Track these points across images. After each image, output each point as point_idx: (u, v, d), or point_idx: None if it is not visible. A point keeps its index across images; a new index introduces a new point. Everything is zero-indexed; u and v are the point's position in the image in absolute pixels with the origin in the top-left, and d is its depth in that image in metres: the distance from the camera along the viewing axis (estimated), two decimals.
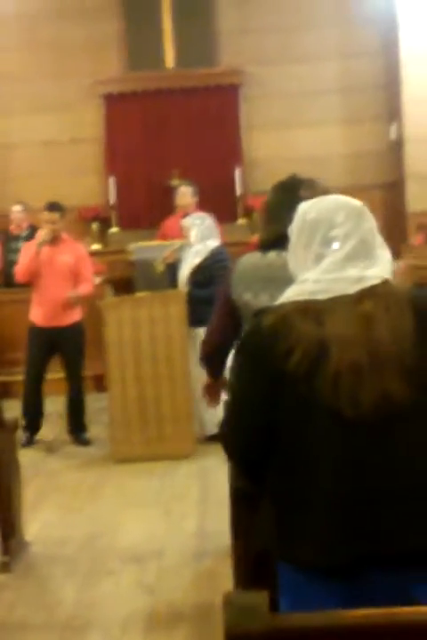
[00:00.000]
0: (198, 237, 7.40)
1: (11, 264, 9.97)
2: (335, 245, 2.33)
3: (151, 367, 7.05)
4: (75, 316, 7.65)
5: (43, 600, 4.73)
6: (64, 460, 7.31)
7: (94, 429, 7.81)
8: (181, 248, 7.58)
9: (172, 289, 7.46)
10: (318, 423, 2.24)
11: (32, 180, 11.62)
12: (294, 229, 2.44)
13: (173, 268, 7.58)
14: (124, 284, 9.04)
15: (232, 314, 3.77)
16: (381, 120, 11.67)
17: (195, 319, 7.09)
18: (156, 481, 6.57)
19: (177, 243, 7.71)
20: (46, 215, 7.56)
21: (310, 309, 2.29)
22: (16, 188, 11.57)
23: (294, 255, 2.45)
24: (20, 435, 7.23)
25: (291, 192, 3.61)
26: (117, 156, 11.90)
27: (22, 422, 7.46)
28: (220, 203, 11.31)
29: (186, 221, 7.58)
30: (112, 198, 11.66)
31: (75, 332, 7.64)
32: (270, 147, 11.78)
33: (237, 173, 11.61)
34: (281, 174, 12.20)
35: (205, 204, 9.70)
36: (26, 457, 6.32)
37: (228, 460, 2.62)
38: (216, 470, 6.52)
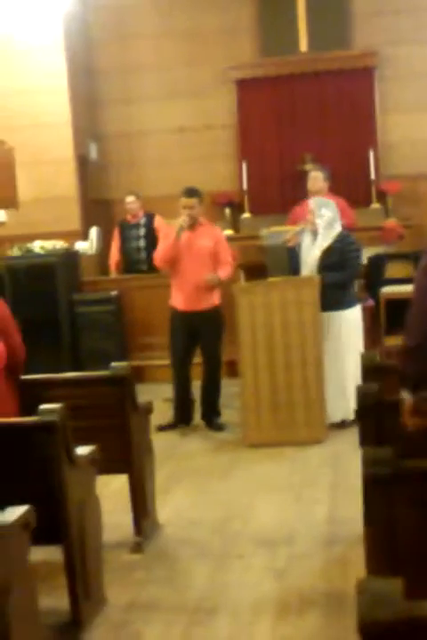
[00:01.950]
0: (324, 222, 7.34)
1: (131, 251, 10.17)
2: None
3: (283, 352, 7.03)
4: (214, 300, 7.67)
5: (173, 581, 4.78)
6: (197, 443, 7.38)
7: (227, 414, 7.84)
8: (302, 232, 7.52)
9: (292, 273, 7.41)
10: None
11: (166, 167, 11.75)
12: None
13: (292, 253, 7.53)
14: (256, 270, 9.01)
15: None
16: None
17: (328, 303, 7.04)
18: (287, 466, 6.56)
19: (298, 226, 7.67)
20: (184, 201, 7.58)
21: None
22: (151, 173, 11.76)
23: None
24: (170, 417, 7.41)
25: None
26: (250, 141, 11.90)
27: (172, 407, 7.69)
28: (353, 187, 11.23)
29: (310, 204, 7.52)
30: (244, 184, 11.67)
31: (214, 316, 7.66)
32: (405, 129, 11.57)
33: (371, 157, 11.44)
34: (416, 158, 12.07)
35: (338, 188, 9.62)
36: (161, 440, 6.41)
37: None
38: (348, 457, 6.48)
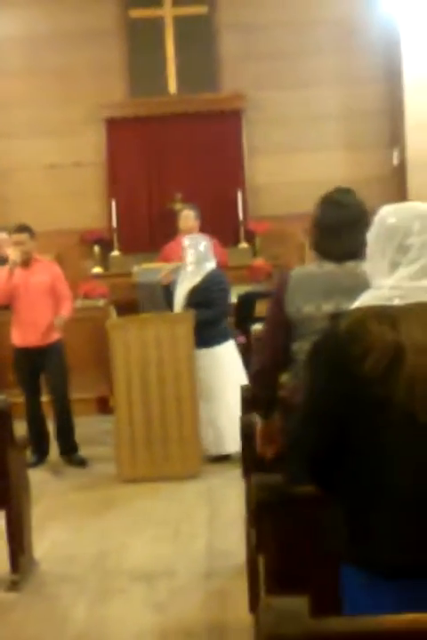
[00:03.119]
0: (195, 259, 7.42)
1: None
2: (412, 254, 2.36)
3: (158, 388, 7.04)
4: (54, 335, 7.64)
5: (53, 619, 4.70)
6: (71, 480, 7.28)
7: (100, 450, 7.79)
8: (177, 269, 7.60)
9: (168, 311, 7.48)
10: (392, 425, 2.26)
11: (34, 203, 11.63)
12: (372, 234, 2.47)
13: (168, 290, 7.60)
14: (127, 306, 9.03)
15: (285, 330, 3.69)
16: (383, 146, 11.72)
17: (199, 341, 7.11)
18: (163, 501, 6.55)
19: (173, 264, 7.75)
20: (15, 237, 7.63)
21: (385, 314, 2.31)
22: (18, 210, 11.57)
23: (371, 260, 2.48)
24: (29, 455, 7.23)
25: (338, 205, 3.68)
26: (120, 179, 11.93)
27: (30, 444, 7.44)
28: (222, 226, 11.36)
29: (183, 242, 7.60)
30: (114, 222, 11.68)
31: (55, 351, 7.64)
32: (272, 171, 11.83)
33: (240, 197, 11.64)
34: (283, 199, 12.36)
35: (207, 227, 9.71)
36: (33, 477, 6.28)
37: (293, 464, 2.57)
38: (223, 490, 6.55)
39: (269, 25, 11.74)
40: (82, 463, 7.61)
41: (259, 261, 11.02)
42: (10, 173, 11.79)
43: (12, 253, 7.56)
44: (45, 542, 5.77)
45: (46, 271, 7.71)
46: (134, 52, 11.90)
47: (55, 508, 6.55)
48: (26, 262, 7.57)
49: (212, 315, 7.26)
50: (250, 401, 4.08)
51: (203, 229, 9.38)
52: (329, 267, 3.65)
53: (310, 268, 3.73)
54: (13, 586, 5.05)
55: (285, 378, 3.87)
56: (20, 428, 7.22)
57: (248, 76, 11.80)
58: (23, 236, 7.57)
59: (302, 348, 3.64)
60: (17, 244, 7.58)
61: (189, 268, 7.40)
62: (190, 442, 7.04)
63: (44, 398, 7.81)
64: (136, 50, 11.89)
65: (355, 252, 3.57)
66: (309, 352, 2.48)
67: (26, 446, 5.48)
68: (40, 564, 5.42)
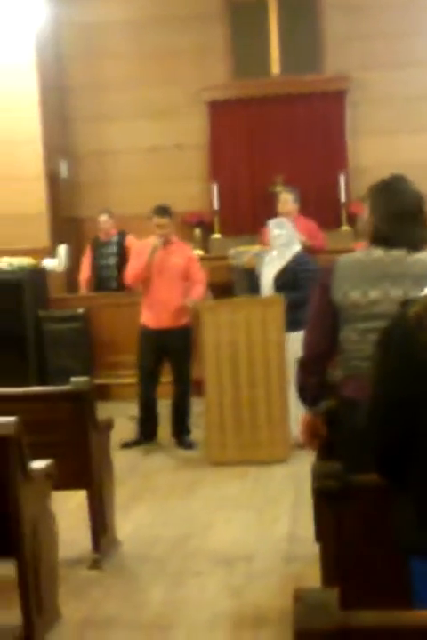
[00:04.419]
0: (279, 243, 7.36)
1: (101, 269, 10.18)
2: None
3: (248, 371, 7.03)
4: (184, 318, 7.68)
5: (130, 598, 4.75)
6: (160, 461, 7.35)
7: (193, 432, 7.81)
8: (262, 253, 7.55)
9: (252, 294, 7.43)
10: None
11: (137, 186, 11.75)
12: None
13: (252, 274, 7.55)
14: (225, 289, 9.03)
15: (332, 317, 3.65)
16: None
17: (286, 324, 7.05)
18: (249, 484, 6.55)
19: (257, 248, 7.70)
20: (157, 220, 7.61)
21: None
22: (121, 192, 11.74)
23: None
24: (134, 434, 7.33)
25: (400, 192, 3.66)
26: (221, 162, 11.93)
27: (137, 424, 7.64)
28: (324, 209, 11.26)
29: (268, 227, 7.54)
30: (215, 204, 11.69)
31: (184, 335, 7.69)
32: (375, 153, 11.63)
33: (342, 180, 11.50)
34: None
35: (308, 210, 9.65)
36: (124, 457, 6.38)
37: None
38: (310, 476, 6.46)
39: (374, 5, 11.53)
40: (191, 446, 7.62)
41: (361, 244, 10.82)
42: (112, 155, 11.93)
43: (153, 237, 7.59)
44: (129, 523, 5.83)
45: (182, 254, 7.74)
46: (237, 34, 11.87)
47: (142, 489, 6.62)
48: (164, 244, 7.60)
49: (298, 297, 7.17)
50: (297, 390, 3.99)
51: (304, 212, 9.32)
52: (377, 254, 3.59)
53: (357, 254, 3.70)
54: (94, 564, 5.12)
55: (333, 368, 3.81)
56: (122, 409, 7.33)
57: (352, 56, 11.64)
58: (165, 220, 7.60)
59: (348, 337, 3.60)
60: (159, 226, 7.60)
61: (275, 253, 7.34)
62: (279, 426, 7.00)
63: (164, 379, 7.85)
64: (239, 32, 11.85)
65: (418, 240, 3.52)
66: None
67: (110, 428, 5.52)
68: (123, 545, 5.47)
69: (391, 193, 3.67)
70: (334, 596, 1.92)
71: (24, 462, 4.14)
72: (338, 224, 11.55)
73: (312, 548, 5.01)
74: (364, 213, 3.78)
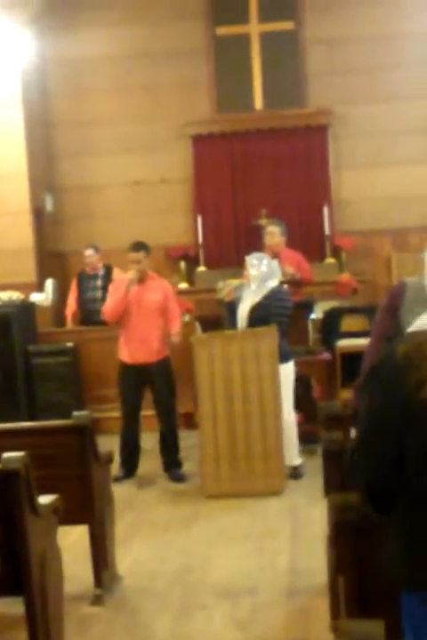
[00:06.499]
0: (258, 277, 7.38)
1: (87, 302, 10.18)
2: None
3: (242, 403, 7.04)
4: (163, 352, 7.70)
5: (135, 634, 4.74)
6: (155, 494, 7.32)
7: (185, 465, 7.80)
8: (241, 287, 7.58)
9: (231, 328, 7.45)
10: None
11: (121, 220, 11.79)
12: None
13: (231, 307, 7.58)
14: (212, 322, 9.05)
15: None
16: None
17: None
18: (246, 517, 6.54)
19: (236, 281, 7.74)
20: (132, 255, 7.66)
21: None
22: (106, 226, 11.77)
23: None
24: (116, 470, 7.28)
25: None
26: (205, 196, 12.00)
27: (119, 459, 7.54)
28: (308, 242, 11.35)
29: (247, 261, 7.56)
30: (200, 237, 11.74)
31: (163, 367, 7.70)
32: (359, 186, 11.77)
33: (326, 213, 11.60)
34: (369, 214, 12.27)
35: (293, 242, 9.71)
36: (118, 491, 6.33)
37: (357, 487, 2.54)
38: (307, 507, 6.51)
39: (355, 39, 11.70)
40: (182, 479, 7.62)
41: (345, 276, 10.94)
42: (97, 190, 11.98)
43: (130, 272, 7.64)
44: (129, 557, 5.82)
45: (159, 289, 7.77)
46: (221, 69, 12.00)
47: (139, 523, 6.60)
48: (141, 279, 7.65)
49: None
50: (350, 416, 3.99)
51: (289, 244, 9.38)
52: None
53: (419, 279, 3.68)
54: (96, 600, 5.10)
55: None
56: (111, 443, 7.34)
57: (334, 90, 11.79)
58: (139, 255, 7.63)
59: None
60: (133, 262, 7.65)
61: (253, 286, 7.37)
62: (274, 458, 7.02)
63: (147, 413, 7.88)
64: (223, 67, 11.98)
65: None
66: (366, 376, 2.46)
67: (111, 461, 5.52)
68: (124, 579, 5.46)
69: None
70: (380, 627, 1.93)
71: (32, 497, 4.13)
72: (322, 256, 11.65)
73: (315, 581, 5.07)
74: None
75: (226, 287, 7.89)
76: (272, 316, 7.19)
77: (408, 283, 3.68)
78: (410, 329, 2.39)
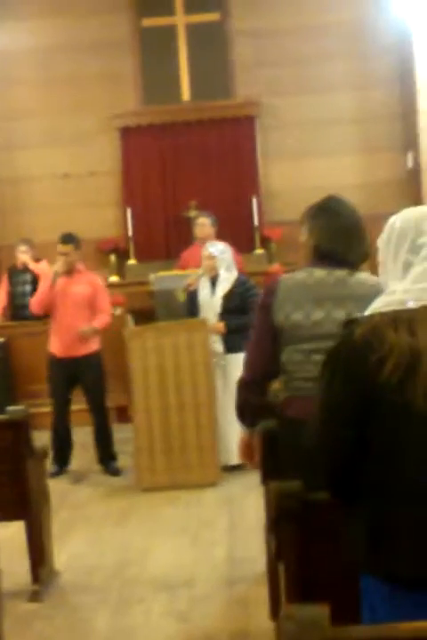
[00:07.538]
0: (224, 266, 7.46)
1: (17, 297, 10.09)
2: (424, 253, 2.35)
3: (176, 395, 7.05)
4: (93, 345, 7.68)
5: (75, 629, 4.71)
6: (90, 489, 7.29)
7: (119, 460, 7.78)
8: (202, 276, 7.62)
9: (191, 318, 7.47)
10: (412, 431, 2.25)
11: (49, 213, 11.66)
12: (383, 240, 2.48)
13: (191, 297, 7.60)
14: (144, 315, 9.03)
15: (273, 340, 3.66)
16: (397, 149, 11.68)
17: (231, 346, 7.12)
18: (182, 509, 6.55)
19: (199, 271, 7.74)
20: (60, 247, 7.63)
21: (400, 319, 2.30)
22: (33, 221, 11.64)
23: (383, 266, 2.48)
24: (49, 465, 7.22)
25: (329, 211, 3.67)
26: (135, 188, 11.95)
27: (51, 453, 7.47)
28: (237, 233, 11.34)
29: (209, 250, 7.59)
30: (130, 230, 11.69)
31: (93, 361, 7.67)
32: (287, 177, 11.82)
33: (255, 204, 11.64)
34: (298, 204, 12.23)
35: (222, 234, 9.70)
36: (53, 487, 6.30)
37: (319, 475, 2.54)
38: (242, 498, 6.54)
39: (282, 30, 11.73)
40: (117, 473, 7.62)
41: (275, 267, 11.00)
42: (24, 184, 11.82)
43: (56, 264, 7.61)
44: (66, 552, 5.78)
45: (88, 283, 7.73)
46: (147, 61, 11.93)
47: (75, 518, 6.57)
48: (69, 272, 7.61)
49: (245, 322, 7.17)
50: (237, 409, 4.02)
51: (219, 236, 9.39)
52: (319, 274, 3.61)
53: (299, 275, 3.66)
54: (34, 596, 5.06)
55: (275, 388, 3.86)
56: (44, 438, 7.29)
57: (261, 82, 11.80)
58: (68, 247, 7.60)
59: (291, 357, 3.63)
60: (62, 254, 7.60)
61: (222, 272, 7.43)
62: (209, 449, 7.04)
63: (80, 407, 7.85)
64: (149, 58, 11.92)
65: (360, 256, 3.62)
66: (324, 360, 2.46)
67: (46, 456, 5.48)
68: (61, 575, 5.42)
69: (331, 212, 3.72)
70: (324, 612, 1.94)
71: None
72: (252, 247, 11.67)
73: (253, 570, 5.11)
74: (301, 237, 3.82)
75: (187, 278, 7.90)
76: (250, 305, 7.24)
77: (281, 282, 3.69)
78: (366, 312, 2.40)
